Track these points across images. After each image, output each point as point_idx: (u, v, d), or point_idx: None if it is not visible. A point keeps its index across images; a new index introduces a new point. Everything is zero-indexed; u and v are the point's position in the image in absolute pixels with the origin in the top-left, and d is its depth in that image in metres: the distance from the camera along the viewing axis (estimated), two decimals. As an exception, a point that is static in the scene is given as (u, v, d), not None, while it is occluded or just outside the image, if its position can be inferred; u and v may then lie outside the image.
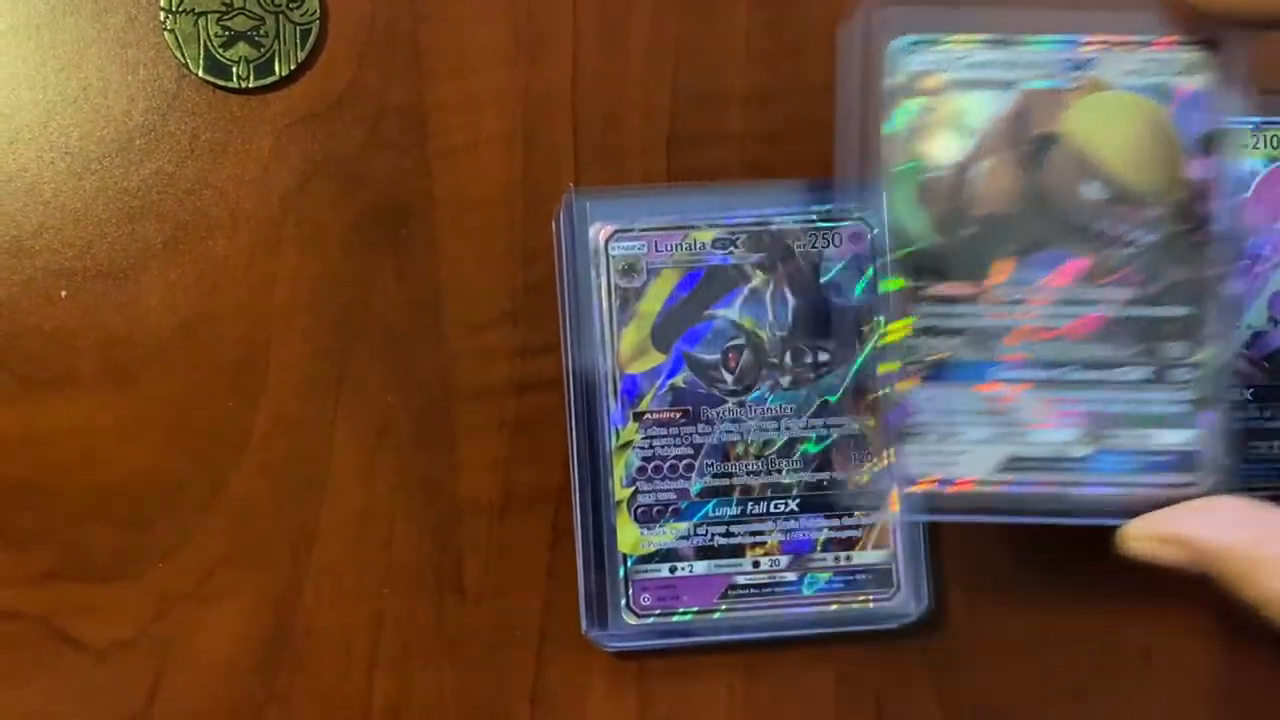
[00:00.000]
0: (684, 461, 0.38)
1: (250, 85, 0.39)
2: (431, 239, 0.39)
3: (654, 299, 0.38)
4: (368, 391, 0.39)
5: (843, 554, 0.38)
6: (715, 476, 0.38)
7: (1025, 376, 0.32)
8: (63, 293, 0.39)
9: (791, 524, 0.38)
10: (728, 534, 0.38)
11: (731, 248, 0.38)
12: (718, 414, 0.38)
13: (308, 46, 0.39)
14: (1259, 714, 0.39)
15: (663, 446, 0.38)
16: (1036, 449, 0.32)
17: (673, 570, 0.38)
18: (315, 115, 0.39)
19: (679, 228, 0.38)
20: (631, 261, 0.38)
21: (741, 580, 0.38)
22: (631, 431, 0.38)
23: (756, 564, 0.38)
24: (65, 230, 0.39)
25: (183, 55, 0.38)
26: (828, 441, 0.38)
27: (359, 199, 0.39)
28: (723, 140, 0.40)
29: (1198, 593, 0.39)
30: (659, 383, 0.38)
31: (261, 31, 0.39)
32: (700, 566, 0.38)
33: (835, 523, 0.38)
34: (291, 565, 0.38)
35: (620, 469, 0.38)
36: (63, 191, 0.39)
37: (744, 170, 0.40)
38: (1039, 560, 0.39)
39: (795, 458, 0.38)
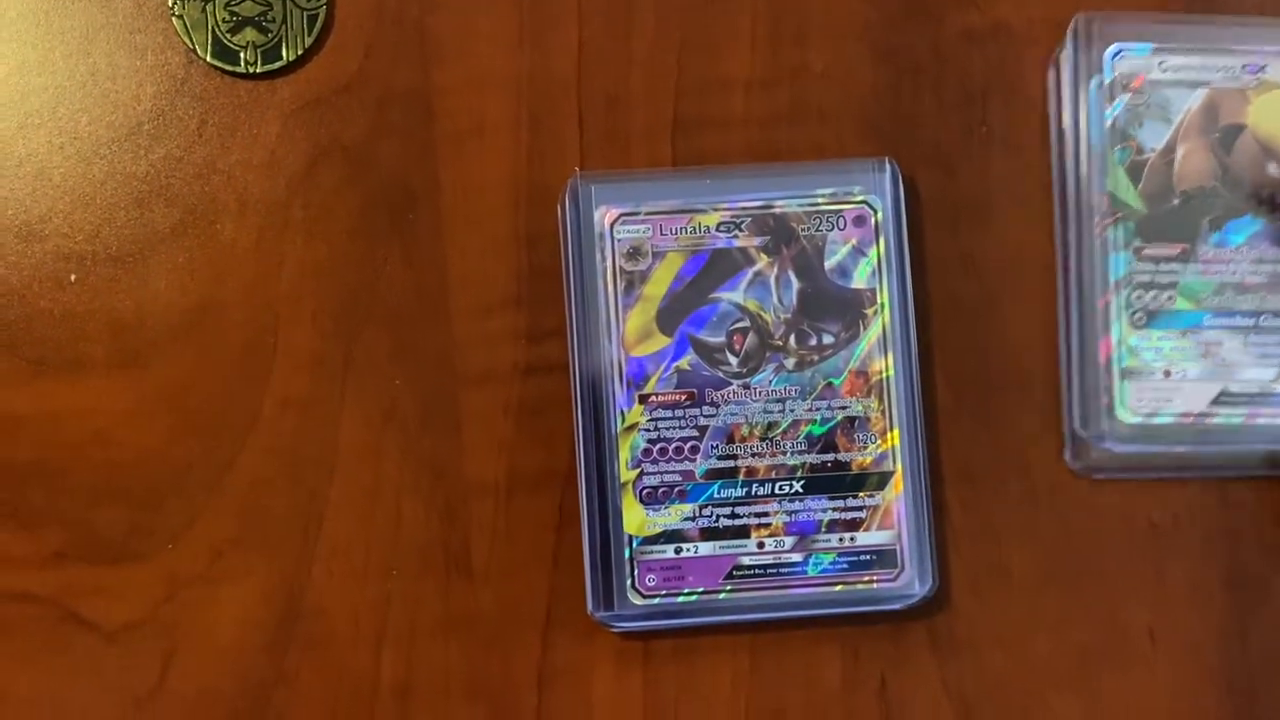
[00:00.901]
0: (689, 443, 0.38)
1: (258, 70, 0.39)
2: (437, 223, 0.39)
3: (659, 282, 0.38)
4: (374, 375, 0.39)
5: (847, 535, 0.38)
6: (720, 458, 0.38)
7: (1231, 324, 0.38)
8: (72, 277, 0.39)
9: (796, 505, 0.38)
10: (733, 515, 0.38)
11: (736, 231, 0.38)
12: (722, 396, 0.38)
13: (315, 32, 0.39)
14: (1265, 691, 0.39)
15: (668, 429, 0.38)
16: (1244, 385, 0.38)
17: (678, 551, 0.38)
18: (322, 100, 0.39)
19: (684, 211, 0.38)
20: (637, 245, 0.38)
21: (746, 561, 0.38)
22: (637, 414, 0.38)
23: (761, 545, 0.38)
24: (74, 215, 0.39)
25: (190, 40, 0.39)
26: (832, 423, 0.38)
27: (366, 184, 0.39)
28: (728, 125, 0.40)
29: (1203, 571, 0.39)
30: (664, 365, 0.38)
31: (269, 17, 0.39)
32: (705, 548, 0.38)
33: (840, 503, 0.38)
34: (300, 546, 0.39)
35: (626, 451, 0.38)
36: (71, 176, 0.39)
37: (748, 154, 0.40)
38: (1043, 540, 0.39)
39: (800, 439, 0.38)
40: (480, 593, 0.39)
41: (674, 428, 0.38)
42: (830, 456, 0.38)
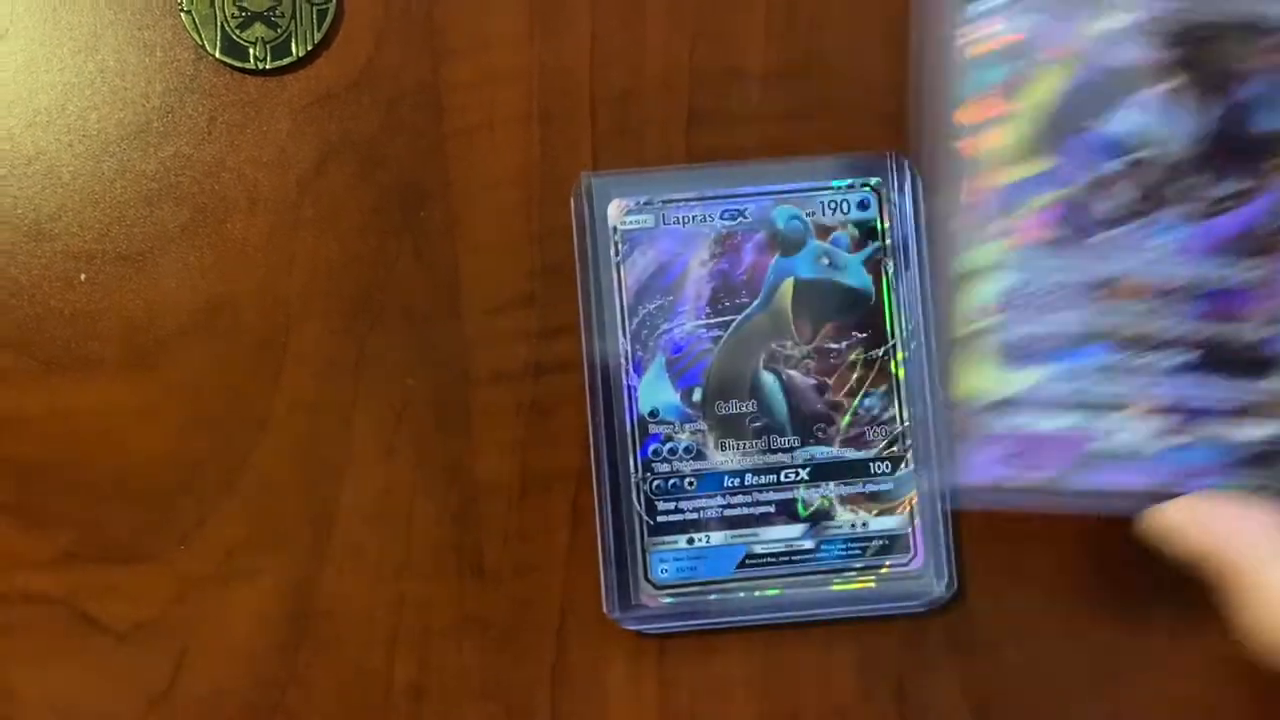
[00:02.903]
0: (1060, 294, 0.32)
1: (267, 66, 0.39)
2: (449, 220, 0.39)
3: (1037, 94, 0.32)
4: (386, 373, 0.39)
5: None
6: (1098, 315, 0.32)
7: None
8: (82, 276, 0.39)
9: (1186, 382, 0.32)
10: (1105, 383, 0.32)
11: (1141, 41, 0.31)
12: (1108, 241, 0.32)
13: (324, 27, 0.39)
14: (1285, 695, 0.39)
15: (1039, 274, 0.32)
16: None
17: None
18: (332, 96, 0.39)
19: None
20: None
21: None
22: (998, 251, 0.32)
23: (1129, 423, 0.32)
24: (84, 213, 0.39)
25: (200, 37, 0.38)
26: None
27: (377, 180, 0.39)
28: (742, 118, 0.39)
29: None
30: (1038, 195, 0.32)
31: (278, 12, 0.38)
32: (1065, 420, 0.33)
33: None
34: (312, 546, 0.38)
35: (972, 298, 0.32)
36: (81, 174, 0.39)
37: (763, 147, 0.39)
38: (1062, 541, 0.39)
39: (1195, 301, 0.32)
40: (493, 592, 0.39)
41: (1046, 273, 0.32)
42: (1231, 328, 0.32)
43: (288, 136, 0.39)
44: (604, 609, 0.38)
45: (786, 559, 0.38)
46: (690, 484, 0.38)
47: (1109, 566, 0.39)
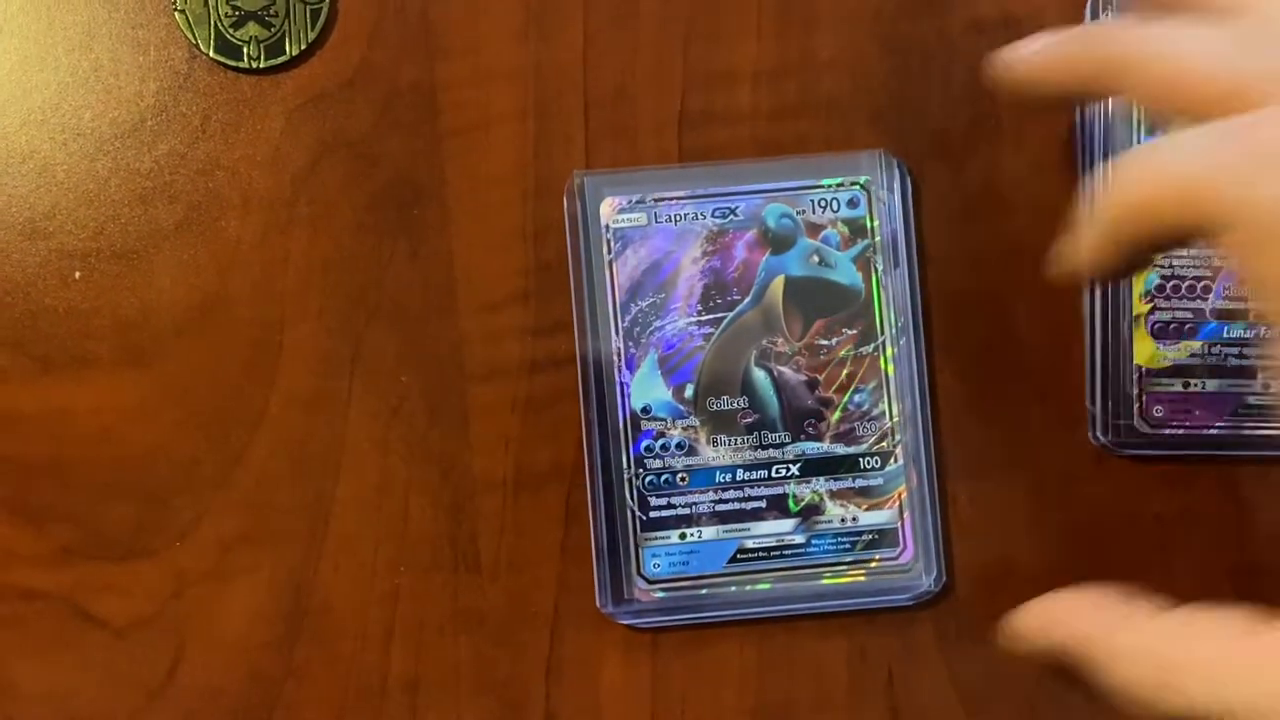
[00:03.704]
0: (1202, 282, 0.38)
1: (261, 65, 0.39)
2: (443, 218, 0.39)
3: None
4: (381, 370, 0.39)
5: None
6: (1231, 299, 0.39)
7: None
8: (76, 274, 0.39)
9: None
10: (1240, 355, 0.39)
11: None
12: None
13: (318, 26, 0.39)
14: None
15: (1181, 266, 0.38)
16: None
17: (1185, 386, 0.38)
18: (326, 95, 0.39)
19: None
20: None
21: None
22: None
23: (1267, 386, 0.39)
24: (78, 212, 0.39)
25: (193, 36, 0.38)
26: None
27: (371, 179, 0.39)
28: (734, 117, 0.40)
29: (1211, 564, 0.39)
30: None
31: (272, 11, 0.39)
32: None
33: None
34: (308, 542, 0.39)
35: (1140, 284, 0.38)
36: (75, 173, 0.39)
37: (755, 146, 0.40)
38: (1049, 534, 0.39)
39: None
40: (488, 587, 0.39)
41: (1188, 266, 0.38)
42: None
43: (282, 135, 0.39)
44: (597, 604, 0.38)
45: (778, 553, 0.38)
46: (682, 480, 0.38)
47: (1096, 559, 0.39)
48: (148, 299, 0.39)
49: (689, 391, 0.38)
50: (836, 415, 0.38)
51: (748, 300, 0.38)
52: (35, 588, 0.38)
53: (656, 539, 0.38)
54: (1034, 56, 0.33)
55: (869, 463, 0.38)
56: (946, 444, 0.39)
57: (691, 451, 0.38)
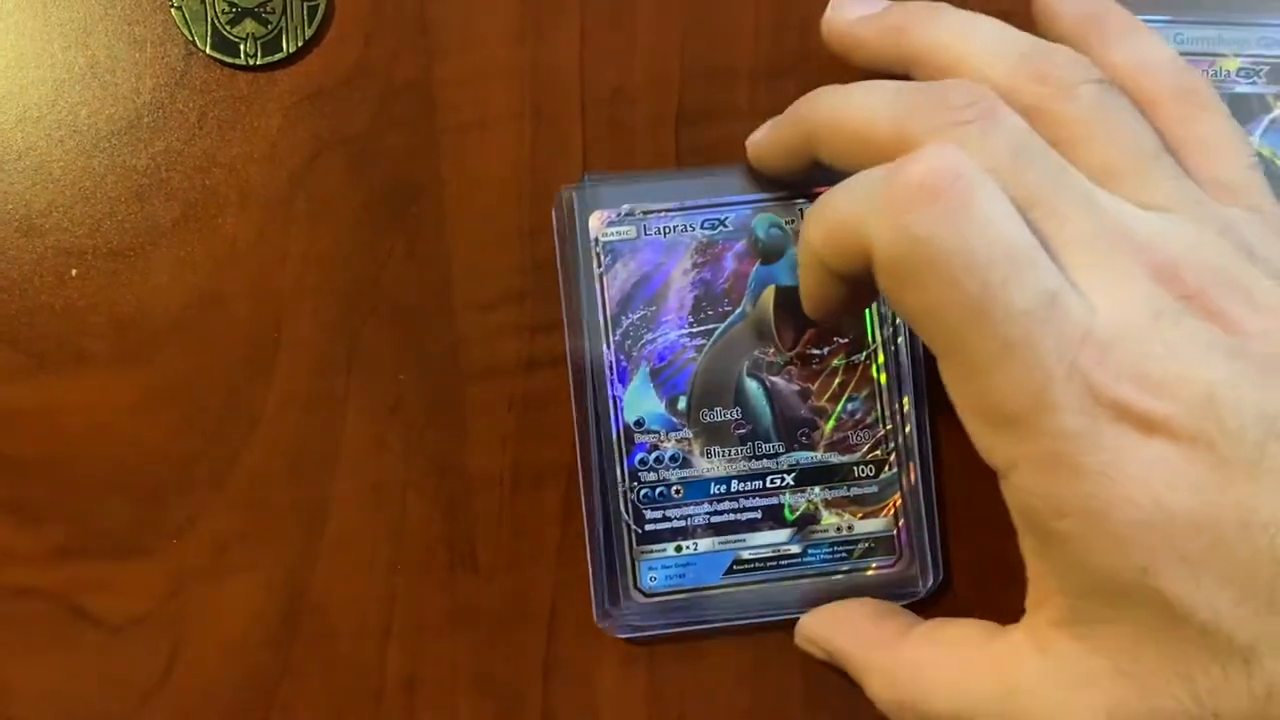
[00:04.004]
0: None
1: (258, 62, 0.39)
2: (440, 217, 0.39)
3: None
4: (378, 368, 0.39)
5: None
6: None
7: None
8: (73, 271, 0.39)
9: None
10: None
11: (1255, 78, 0.38)
12: None
13: (315, 23, 0.39)
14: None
15: None
16: None
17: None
18: (323, 92, 0.39)
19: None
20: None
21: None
22: None
23: None
24: (74, 209, 0.39)
25: (190, 32, 0.38)
26: None
27: (368, 177, 0.39)
28: (733, 116, 0.39)
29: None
30: None
31: (269, 8, 0.38)
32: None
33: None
34: (304, 541, 0.39)
35: None
36: (71, 170, 0.39)
37: (752, 146, 0.40)
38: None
39: None
40: (485, 587, 0.39)
41: None
42: None
43: (279, 132, 0.39)
44: (595, 619, 0.38)
45: (774, 564, 0.38)
46: (677, 492, 0.38)
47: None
48: (144, 296, 0.39)
49: (682, 404, 0.38)
50: (830, 424, 0.38)
51: (739, 311, 0.38)
52: (29, 586, 0.38)
53: (652, 552, 0.38)
54: (755, 146, 0.37)
55: (863, 471, 0.38)
56: (943, 444, 0.39)
57: (685, 464, 0.38)
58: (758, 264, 0.38)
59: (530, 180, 0.39)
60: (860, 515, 0.38)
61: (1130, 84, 0.32)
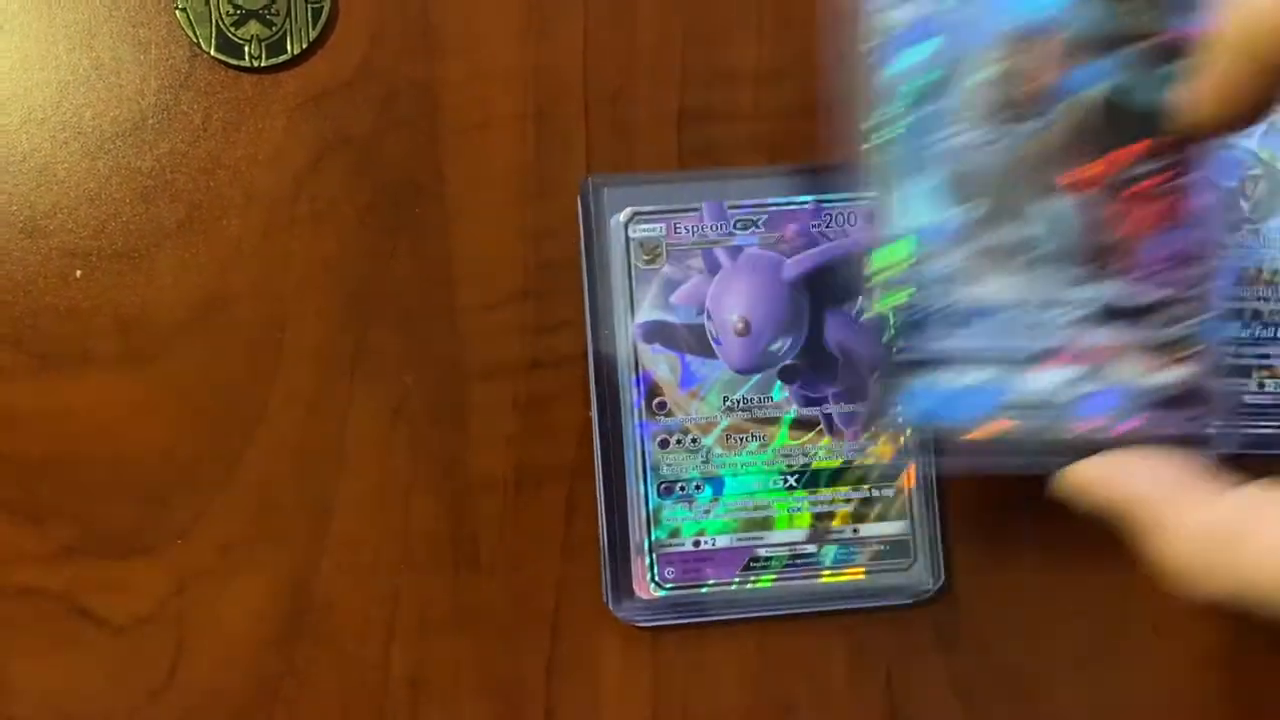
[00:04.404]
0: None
1: (262, 64, 0.39)
2: (444, 217, 0.39)
3: None
4: (383, 369, 0.39)
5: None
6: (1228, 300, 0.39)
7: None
8: (78, 273, 0.39)
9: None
10: (1237, 355, 0.39)
11: None
12: (1234, 240, 0.39)
13: (319, 25, 0.39)
14: (1266, 688, 0.40)
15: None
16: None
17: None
18: (327, 94, 0.39)
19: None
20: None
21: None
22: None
23: (1262, 385, 0.39)
24: (79, 210, 0.39)
25: (195, 34, 0.39)
26: None
27: (372, 177, 0.39)
28: (734, 117, 0.40)
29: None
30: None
31: (273, 10, 0.39)
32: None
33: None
34: (309, 541, 0.39)
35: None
36: (76, 171, 0.39)
37: (755, 146, 0.40)
38: (1047, 534, 0.40)
39: None
40: (489, 586, 0.39)
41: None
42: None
43: (283, 134, 0.39)
44: (608, 604, 0.38)
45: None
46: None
47: (1093, 561, 0.40)
48: (149, 297, 0.39)
49: (964, 216, 0.32)
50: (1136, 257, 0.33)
51: (1047, 117, 0.32)
52: (35, 586, 0.38)
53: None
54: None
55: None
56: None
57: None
58: (1073, 66, 0.32)
59: (534, 180, 0.39)
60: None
61: None
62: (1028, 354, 0.32)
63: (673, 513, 0.38)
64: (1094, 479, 0.32)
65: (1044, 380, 0.32)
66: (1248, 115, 0.29)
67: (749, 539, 0.38)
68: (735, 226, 0.39)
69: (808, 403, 0.39)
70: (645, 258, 0.38)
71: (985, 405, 0.32)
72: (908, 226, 0.32)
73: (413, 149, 0.39)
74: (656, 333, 0.38)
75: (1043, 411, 0.32)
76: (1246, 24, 0.27)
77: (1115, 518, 0.31)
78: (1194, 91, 0.29)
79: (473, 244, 0.39)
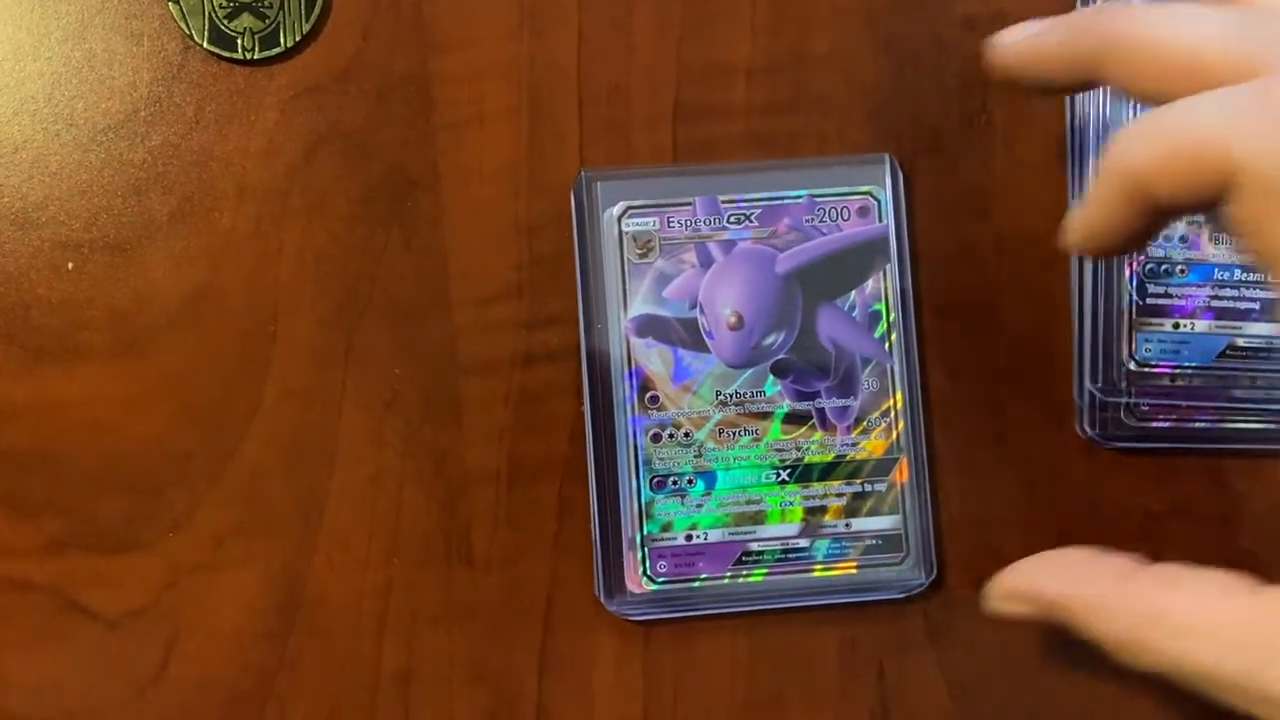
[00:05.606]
0: None
1: (255, 57, 0.39)
2: (437, 211, 0.39)
3: None
4: (375, 363, 0.39)
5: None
6: None
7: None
8: (69, 265, 0.39)
9: None
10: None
11: None
12: None
13: (312, 18, 0.39)
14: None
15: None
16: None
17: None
18: (320, 87, 0.39)
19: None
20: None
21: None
22: None
23: (1254, 380, 0.39)
24: (71, 202, 0.39)
25: (188, 26, 0.38)
26: None
27: (365, 171, 0.39)
28: (728, 113, 0.40)
29: (1200, 559, 0.40)
30: None
31: (266, 3, 0.39)
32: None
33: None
34: (301, 535, 0.39)
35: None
36: (68, 164, 0.39)
37: (749, 142, 0.40)
38: (1040, 526, 0.40)
39: None
40: (481, 580, 0.39)
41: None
42: None
43: (276, 126, 0.39)
44: (600, 598, 0.38)
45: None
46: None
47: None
48: (141, 290, 0.39)
49: None
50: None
51: None
52: (27, 579, 0.38)
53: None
54: (1019, 45, 0.32)
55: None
56: (937, 439, 0.40)
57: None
58: None
59: (527, 176, 0.39)
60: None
61: None
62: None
63: (665, 507, 0.38)
64: (1017, 585, 0.34)
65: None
66: (1117, 245, 0.31)
67: (741, 533, 0.38)
68: (728, 221, 0.39)
69: (800, 397, 0.39)
70: (638, 252, 0.38)
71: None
72: None
73: (406, 143, 0.39)
74: (649, 327, 0.38)
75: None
76: (1119, 162, 0.29)
77: (1053, 616, 0.32)
78: (1074, 216, 0.31)
79: (466, 238, 0.39)
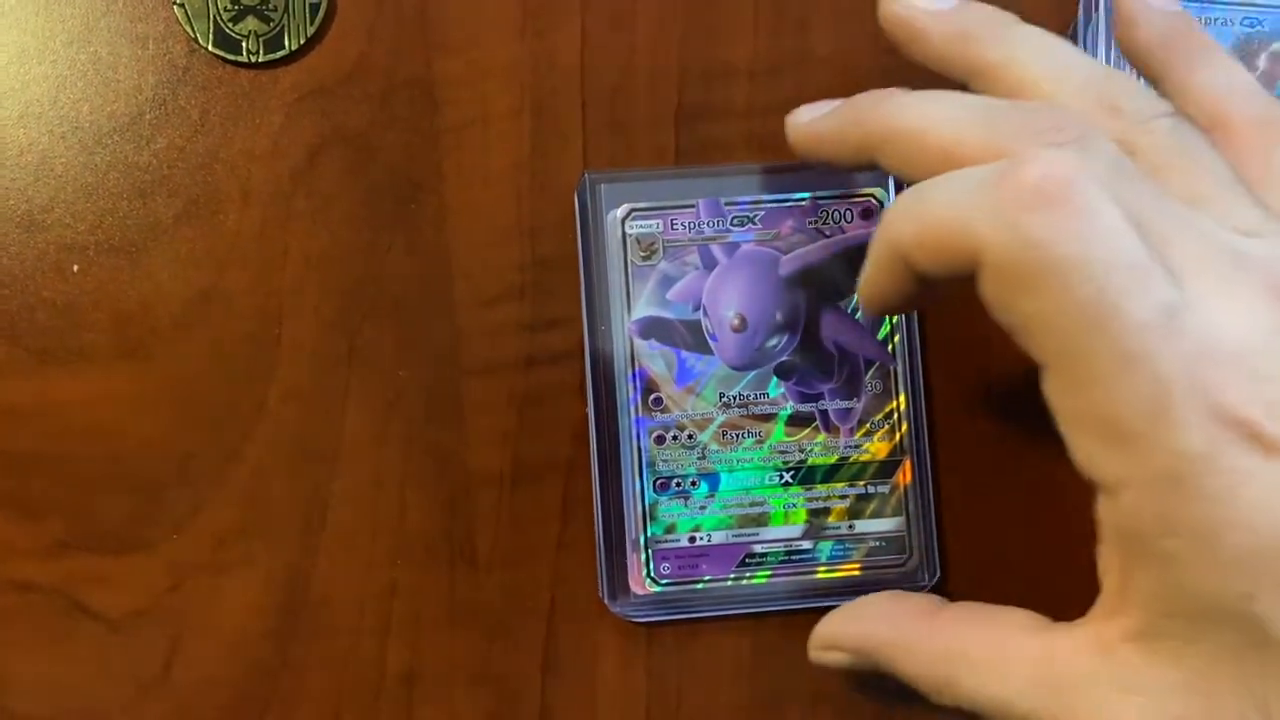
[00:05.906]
0: None
1: (260, 60, 0.39)
2: (441, 213, 0.39)
3: None
4: (378, 365, 0.39)
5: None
6: None
7: None
8: (74, 267, 0.39)
9: None
10: None
11: None
12: None
13: (317, 20, 0.39)
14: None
15: None
16: None
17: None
18: (325, 90, 0.39)
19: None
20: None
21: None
22: None
23: None
24: (76, 205, 0.39)
25: (192, 29, 0.39)
26: None
27: (369, 173, 0.39)
28: (731, 113, 0.40)
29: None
30: None
31: (271, 6, 0.39)
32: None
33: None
34: (304, 536, 0.39)
35: None
36: (73, 166, 0.39)
37: (752, 143, 0.40)
38: (1044, 528, 0.40)
39: None
40: (484, 582, 0.39)
41: None
42: None
43: (280, 129, 0.39)
44: (604, 599, 0.38)
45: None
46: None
47: (1088, 558, 0.40)
48: (145, 292, 0.39)
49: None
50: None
51: None
52: (30, 580, 0.38)
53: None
54: (803, 128, 0.34)
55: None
56: (941, 440, 0.40)
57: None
58: None
59: (530, 177, 0.39)
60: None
61: (1209, 107, 0.32)
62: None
63: (668, 508, 0.38)
64: (832, 634, 0.35)
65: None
66: (899, 307, 0.32)
67: (744, 535, 0.38)
68: (732, 223, 0.39)
69: (804, 399, 0.39)
70: (642, 254, 0.39)
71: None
72: None
73: (410, 145, 0.39)
74: (653, 329, 0.38)
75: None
76: (883, 234, 0.30)
77: (867, 661, 0.34)
78: (861, 279, 0.32)
79: (469, 240, 0.39)
